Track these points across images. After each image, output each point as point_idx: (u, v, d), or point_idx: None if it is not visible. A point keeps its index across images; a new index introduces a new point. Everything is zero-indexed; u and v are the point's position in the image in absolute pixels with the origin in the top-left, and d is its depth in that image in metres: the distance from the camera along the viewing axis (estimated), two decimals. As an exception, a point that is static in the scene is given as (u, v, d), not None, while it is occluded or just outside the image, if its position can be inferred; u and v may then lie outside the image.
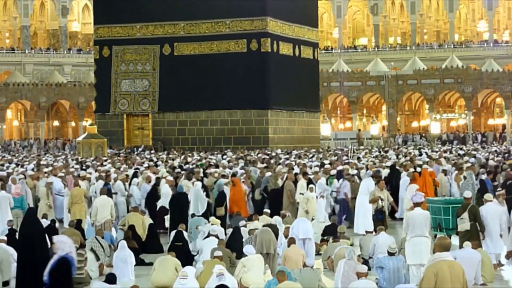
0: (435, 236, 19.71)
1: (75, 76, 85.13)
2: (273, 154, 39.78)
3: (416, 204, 14.23)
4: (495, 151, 40.49)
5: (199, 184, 21.86)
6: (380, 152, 41.50)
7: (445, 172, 25.70)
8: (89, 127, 51.94)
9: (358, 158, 33.77)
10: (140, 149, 50.12)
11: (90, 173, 25.89)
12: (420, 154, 36.35)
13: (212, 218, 18.33)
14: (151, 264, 15.57)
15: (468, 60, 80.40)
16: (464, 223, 15.90)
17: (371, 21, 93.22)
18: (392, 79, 74.98)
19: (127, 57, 53.50)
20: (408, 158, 32.13)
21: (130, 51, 53.41)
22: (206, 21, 52.15)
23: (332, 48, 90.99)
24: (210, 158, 35.91)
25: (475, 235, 15.71)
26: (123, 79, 53.42)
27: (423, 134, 74.96)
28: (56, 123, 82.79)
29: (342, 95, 77.94)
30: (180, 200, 20.36)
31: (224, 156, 38.51)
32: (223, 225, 19.43)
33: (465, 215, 15.94)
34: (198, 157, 37.24)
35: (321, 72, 65.47)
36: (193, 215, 19.89)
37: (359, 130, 67.39)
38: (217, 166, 29.14)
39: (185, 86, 51.64)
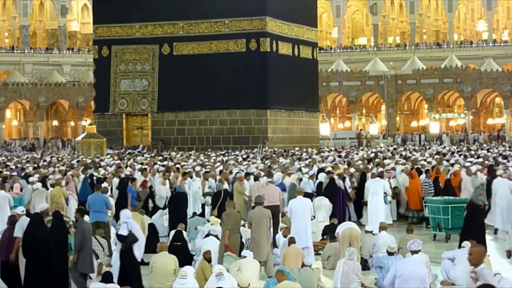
0: (434, 235, 19.73)
1: (74, 75, 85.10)
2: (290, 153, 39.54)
3: (414, 252, 12.74)
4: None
5: (198, 184, 21.84)
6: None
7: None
8: (88, 126, 51.96)
9: (392, 155, 33.56)
10: (139, 149, 50.06)
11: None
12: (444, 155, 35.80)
13: (212, 218, 18.29)
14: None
15: (467, 60, 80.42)
16: None
17: (370, 21, 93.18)
18: (391, 79, 74.96)
19: (126, 56, 53.46)
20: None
21: (129, 50, 53.38)
22: (205, 21, 52.11)
23: (331, 48, 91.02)
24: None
25: None
26: (122, 79, 53.39)
27: (423, 134, 74.85)
28: (55, 122, 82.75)
29: (341, 95, 77.93)
30: (179, 200, 20.35)
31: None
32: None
33: None
34: (222, 157, 36.46)
35: (320, 71, 65.41)
36: (193, 214, 19.88)
37: (361, 130, 67.07)
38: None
39: (184, 86, 51.57)
